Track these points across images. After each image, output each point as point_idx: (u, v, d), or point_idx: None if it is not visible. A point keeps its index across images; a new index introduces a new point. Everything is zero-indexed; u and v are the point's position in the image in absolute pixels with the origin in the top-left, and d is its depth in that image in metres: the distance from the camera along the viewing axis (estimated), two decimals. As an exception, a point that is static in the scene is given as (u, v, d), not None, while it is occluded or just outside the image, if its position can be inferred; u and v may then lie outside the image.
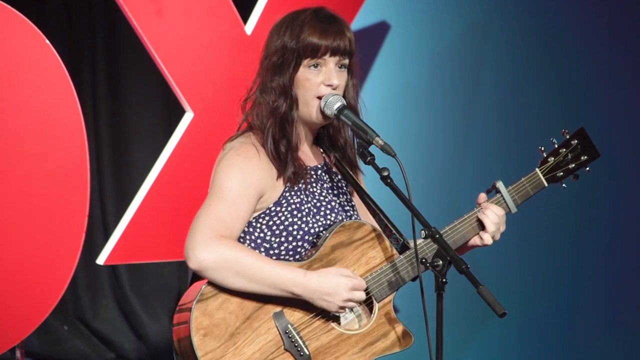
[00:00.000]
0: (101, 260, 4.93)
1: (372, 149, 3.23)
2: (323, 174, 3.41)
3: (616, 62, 6.20)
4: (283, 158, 3.27)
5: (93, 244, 6.02)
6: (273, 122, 3.29)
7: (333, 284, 3.19)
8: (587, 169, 3.59)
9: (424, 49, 5.98)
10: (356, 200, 3.50)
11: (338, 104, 3.27)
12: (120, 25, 6.07)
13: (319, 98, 3.29)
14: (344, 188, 3.46)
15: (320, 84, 3.28)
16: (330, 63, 3.28)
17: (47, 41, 4.68)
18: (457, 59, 6.04)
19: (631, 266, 6.21)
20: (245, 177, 3.23)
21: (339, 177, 3.46)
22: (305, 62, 3.27)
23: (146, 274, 6.46)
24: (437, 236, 3.13)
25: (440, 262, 3.07)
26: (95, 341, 6.38)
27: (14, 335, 4.71)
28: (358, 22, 5.65)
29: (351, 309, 3.30)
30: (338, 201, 3.40)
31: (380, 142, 3.19)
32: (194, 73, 5.01)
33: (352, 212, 3.42)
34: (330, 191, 3.39)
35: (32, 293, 4.69)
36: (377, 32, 5.91)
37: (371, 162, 3.21)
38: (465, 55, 6.06)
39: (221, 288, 3.18)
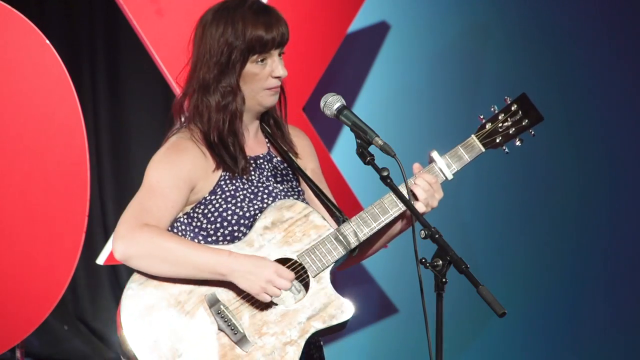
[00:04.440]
0: (101, 260, 4.94)
1: (372, 149, 3.22)
2: (265, 163, 3.40)
3: (616, 62, 6.20)
4: (232, 152, 3.28)
5: (93, 244, 6.02)
6: (221, 118, 3.29)
7: (257, 263, 3.18)
8: (532, 132, 3.51)
9: (424, 49, 5.98)
10: (305, 187, 3.48)
11: (337, 104, 3.26)
12: (120, 25, 6.07)
13: (267, 89, 3.31)
14: (290, 175, 3.45)
15: (267, 77, 3.30)
16: (275, 55, 3.31)
17: (47, 41, 4.68)
18: (457, 59, 6.04)
19: (632, 266, 6.21)
20: (172, 169, 3.24)
21: (285, 165, 3.45)
22: (253, 57, 3.28)
23: (146, 274, 6.45)
24: (437, 236, 3.12)
25: (440, 262, 3.06)
26: (95, 341, 6.38)
27: (14, 335, 4.71)
28: (358, 22, 5.65)
29: (276, 296, 3.22)
30: (280, 187, 3.39)
31: (380, 142, 3.18)
32: (194, 73, 5.00)
33: (297, 198, 3.41)
34: (271, 178, 3.39)
35: (32, 293, 4.69)
36: (377, 32, 5.91)
37: (371, 162, 3.20)
38: (465, 55, 6.06)
39: (149, 276, 3.18)
